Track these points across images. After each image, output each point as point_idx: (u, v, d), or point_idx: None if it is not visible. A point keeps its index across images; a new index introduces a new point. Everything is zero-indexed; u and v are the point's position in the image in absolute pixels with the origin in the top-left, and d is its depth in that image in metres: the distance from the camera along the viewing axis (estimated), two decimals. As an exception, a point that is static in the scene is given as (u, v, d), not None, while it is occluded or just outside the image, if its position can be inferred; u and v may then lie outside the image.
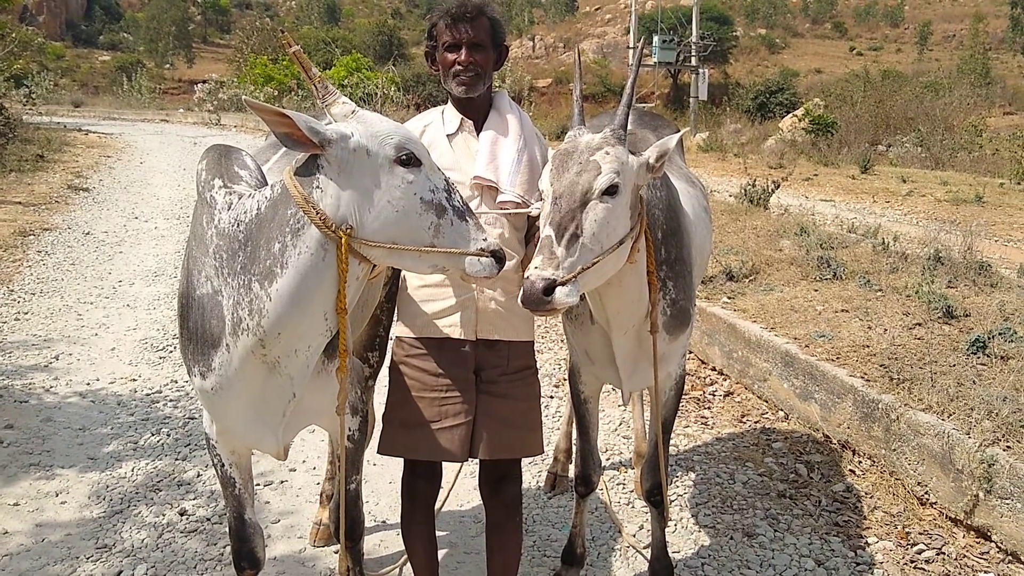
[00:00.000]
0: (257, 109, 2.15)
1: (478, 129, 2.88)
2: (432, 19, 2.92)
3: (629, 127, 2.68)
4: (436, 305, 2.84)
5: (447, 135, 2.87)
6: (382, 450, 2.92)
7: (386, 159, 2.21)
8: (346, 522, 2.77)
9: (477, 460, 2.94)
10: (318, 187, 2.21)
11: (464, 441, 2.81)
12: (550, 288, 2.30)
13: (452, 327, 2.84)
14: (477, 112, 2.89)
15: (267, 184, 2.61)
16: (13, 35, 23.53)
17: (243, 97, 2.34)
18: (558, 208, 2.43)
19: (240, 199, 2.36)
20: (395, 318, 3.08)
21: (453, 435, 2.80)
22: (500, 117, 2.89)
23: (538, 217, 2.79)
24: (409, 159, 2.22)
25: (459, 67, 2.78)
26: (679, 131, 3.20)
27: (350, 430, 2.78)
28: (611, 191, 2.45)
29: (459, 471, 3.66)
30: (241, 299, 2.29)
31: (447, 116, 2.92)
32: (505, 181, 2.80)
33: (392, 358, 2.96)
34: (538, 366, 3.10)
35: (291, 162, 2.62)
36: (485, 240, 2.29)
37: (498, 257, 2.30)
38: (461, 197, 2.33)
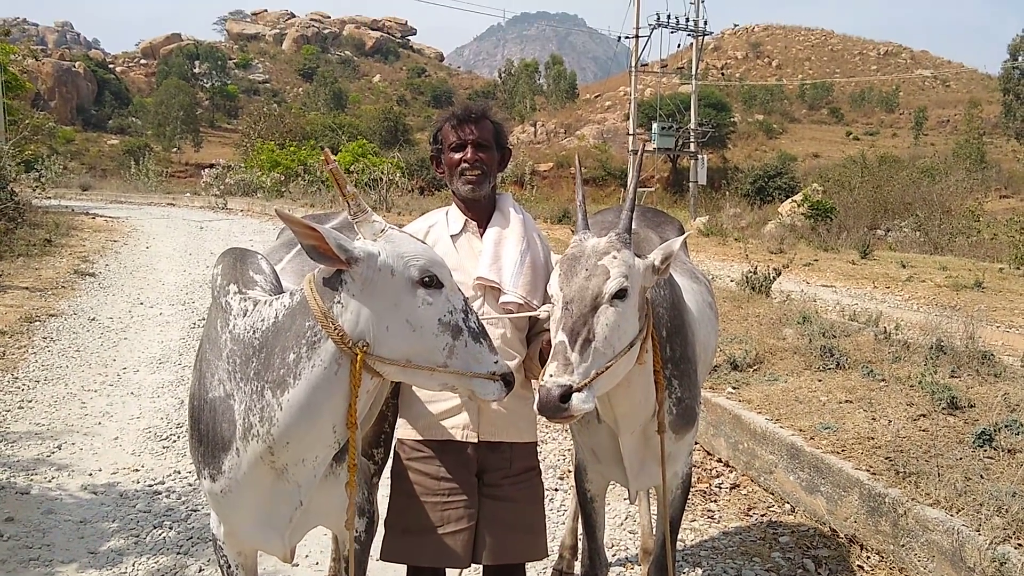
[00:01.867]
0: (288, 221, 2.18)
1: (482, 230, 2.94)
2: (437, 124, 3.01)
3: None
4: (439, 406, 2.86)
5: (451, 235, 2.93)
6: (385, 557, 2.90)
7: (409, 280, 2.24)
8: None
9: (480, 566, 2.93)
10: (339, 302, 2.23)
11: (468, 546, 2.80)
12: (567, 395, 2.32)
13: (455, 429, 2.85)
14: (481, 213, 2.95)
15: (281, 288, 2.65)
16: (27, 121, 23.98)
17: (275, 208, 2.39)
18: (570, 313, 2.45)
19: (256, 306, 2.39)
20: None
21: (456, 540, 2.79)
22: (504, 218, 2.95)
23: (540, 319, 2.84)
24: (431, 281, 2.25)
25: (465, 165, 2.86)
26: (682, 229, 3.25)
27: (356, 531, 2.77)
28: (620, 295, 2.48)
29: (460, 574, 3.63)
30: (253, 405, 2.31)
31: (451, 217, 2.98)
32: (508, 282, 2.84)
33: (394, 461, 2.97)
34: (541, 457, 3.11)
35: (304, 262, 2.66)
36: (496, 363, 2.31)
37: (507, 381, 2.32)
38: (477, 318, 2.35)
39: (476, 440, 2.83)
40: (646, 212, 3.97)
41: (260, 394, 2.30)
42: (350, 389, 2.25)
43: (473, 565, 2.86)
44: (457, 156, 2.89)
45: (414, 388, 2.93)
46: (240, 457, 2.39)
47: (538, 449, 3.10)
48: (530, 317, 2.90)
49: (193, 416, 2.53)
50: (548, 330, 2.63)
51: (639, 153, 3.07)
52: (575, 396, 2.33)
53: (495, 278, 2.84)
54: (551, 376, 2.35)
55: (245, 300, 2.44)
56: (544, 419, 2.45)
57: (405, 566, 2.97)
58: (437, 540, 2.77)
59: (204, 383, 2.47)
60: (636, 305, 2.57)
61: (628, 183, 2.80)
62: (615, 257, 2.53)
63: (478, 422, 2.83)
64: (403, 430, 2.95)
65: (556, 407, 2.32)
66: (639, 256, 2.63)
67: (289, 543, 2.62)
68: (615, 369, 2.49)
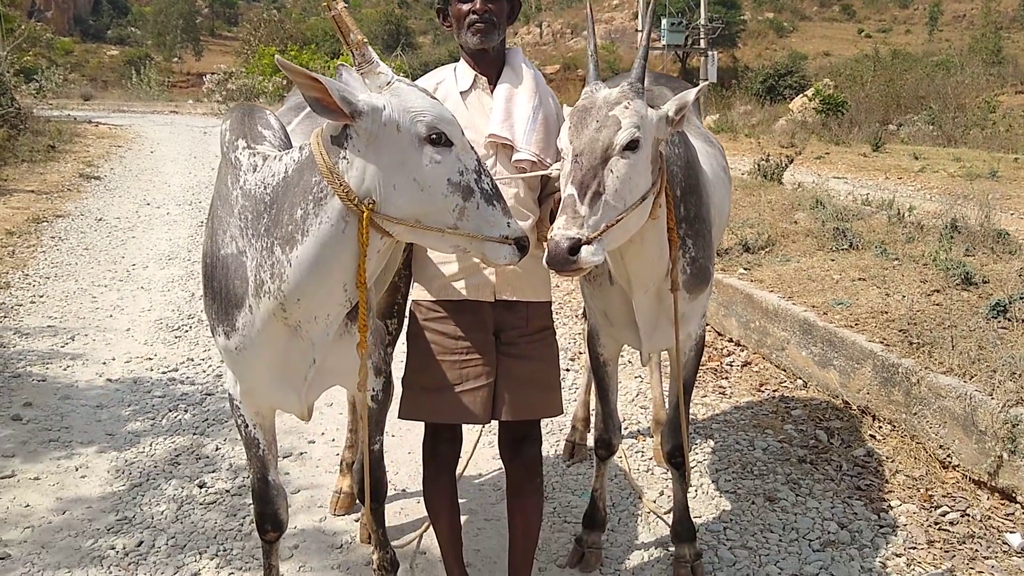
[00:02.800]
0: (289, 71, 2.10)
1: (492, 86, 2.84)
2: None
3: (646, 84, 2.64)
4: (453, 267, 2.80)
5: (460, 92, 2.83)
6: (403, 415, 2.89)
7: (416, 136, 2.16)
8: (370, 483, 2.75)
9: (496, 425, 2.93)
10: (344, 158, 2.17)
11: (486, 403, 2.79)
12: (575, 248, 2.26)
13: (471, 289, 2.80)
14: (491, 67, 2.85)
15: (290, 144, 2.59)
16: (22, 28, 23.54)
17: (276, 57, 2.29)
18: (579, 166, 2.38)
19: (266, 161, 2.33)
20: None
21: (475, 397, 2.77)
22: (514, 73, 2.85)
23: (552, 178, 2.77)
24: (440, 138, 2.17)
25: (473, 16, 2.74)
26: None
27: (373, 390, 2.77)
28: (632, 146, 2.41)
29: (479, 438, 3.65)
30: (264, 262, 2.28)
31: (460, 72, 2.87)
32: (521, 139, 2.76)
33: (410, 323, 2.94)
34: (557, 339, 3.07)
35: (314, 125, 2.59)
36: (510, 226, 2.25)
37: (521, 245, 2.26)
38: (492, 180, 2.27)
39: (492, 299, 2.79)
40: (659, 76, 3.87)
41: (270, 250, 2.27)
42: (359, 248, 2.20)
43: (489, 422, 2.86)
44: (465, 7, 2.77)
45: (428, 251, 2.89)
46: (253, 314, 2.37)
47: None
48: (543, 176, 2.83)
49: (206, 274, 2.50)
50: (560, 188, 2.57)
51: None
52: (584, 249, 2.27)
53: (507, 135, 2.75)
54: (560, 229, 2.29)
55: (254, 155, 2.39)
56: (554, 280, 2.41)
57: (422, 429, 2.98)
58: (456, 398, 2.76)
59: (216, 240, 2.44)
60: (648, 157, 2.50)
61: (640, 33, 2.69)
62: (627, 107, 2.45)
63: (493, 282, 2.79)
64: (418, 292, 2.91)
65: (565, 259, 2.26)
66: (652, 107, 2.55)
67: (305, 400, 2.63)
68: (626, 223, 2.43)
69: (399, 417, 2.89)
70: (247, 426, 2.71)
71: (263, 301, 2.33)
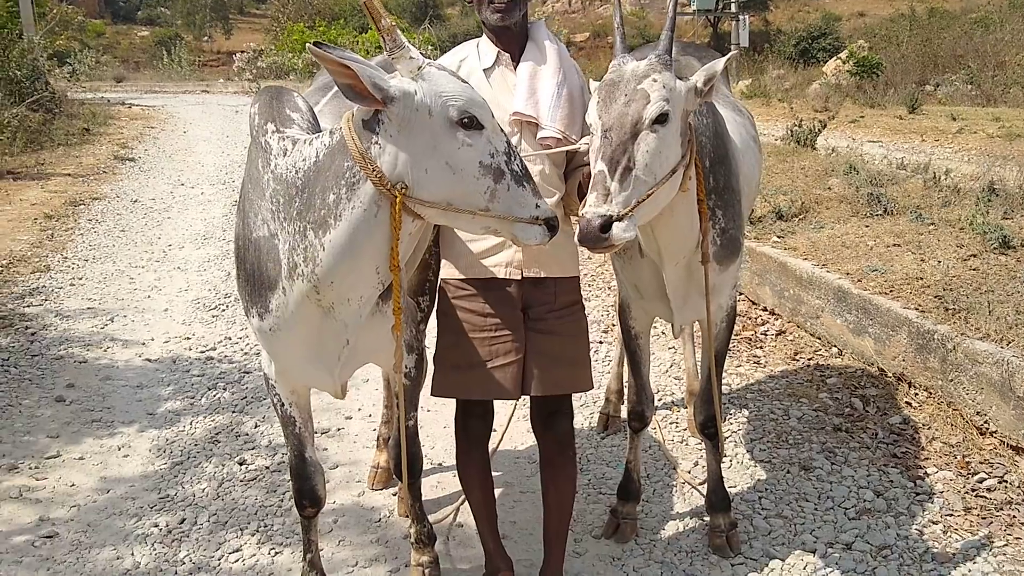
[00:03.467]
0: (320, 58, 2.11)
1: (515, 63, 2.83)
2: None
3: (674, 54, 2.61)
4: (480, 245, 2.81)
5: (484, 69, 2.82)
6: (436, 392, 2.92)
7: (447, 121, 2.18)
8: (406, 458, 2.79)
9: (529, 399, 2.95)
10: (377, 143, 2.19)
11: (516, 379, 2.81)
12: (607, 225, 2.27)
13: (497, 266, 2.81)
14: (513, 44, 2.83)
15: (318, 126, 2.61)
16: (54, 12, 23.76)
17: (307, 44, 2.30)
18: (608, 141, 2.38)
19: (296, 145, 2.35)
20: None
21: (505, 373, 2.80)
22: (538, 49, 2.84)
23: (579, 152, 2.76)
24: (471, 122, 2.19)
25: None
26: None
27: (407, 367, 2.80)
28: (661, 120, 2.40)
29: (512, 413, 3.67)
30: (296, 245, 2.31)
31: (483, 49, 2.87)
32: (545, 116, 2.75)
33: (440, 301, 2.96)
34: (586, 314, 3.08)
35: (341, 105, 2.60)
36: (539, 207, 2.27)
37: (551, 225, 2.28)
38: (521, 161, 2.30)
39: (519, 277, 2.80)
40: (687, 45, 3.83)
41: (303, 234, 2.29)
42: (391, 231, 2.23)
43: (522, 397, 2.88)
44: None
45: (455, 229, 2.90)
46: (287, 296, 2.41)
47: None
48: (568, 151, 2.82)
49: (239, 256, 2.54)
50: (587, 164, 2.56)
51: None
52: (616, 226, 2.28)
53: (532, 113, 2.75)
54: (591, 206, 2.30)
55: (284, 139, 2.41)
56: (585, 254, 2.42)
57: (455, 404, 3.01)
58: (486, 374, 2.78)
59: (248, 223, 2.47)
60: (678, 130, 2.49)
61: (671, 2, 2.66)
62: (655, 80, 2.44)
63: (520, 259, 2.80)
64: (446, 270, 2.93)
65: (597, 237, 2.27)
66: (681, 79, 2.53)
67: (340, 379, 2.66)
68: (657, 197, 2.43)
69: (432, 395, 2.92)
70: (283, 405, 2.76)
71: (296, 283, 2.36)
